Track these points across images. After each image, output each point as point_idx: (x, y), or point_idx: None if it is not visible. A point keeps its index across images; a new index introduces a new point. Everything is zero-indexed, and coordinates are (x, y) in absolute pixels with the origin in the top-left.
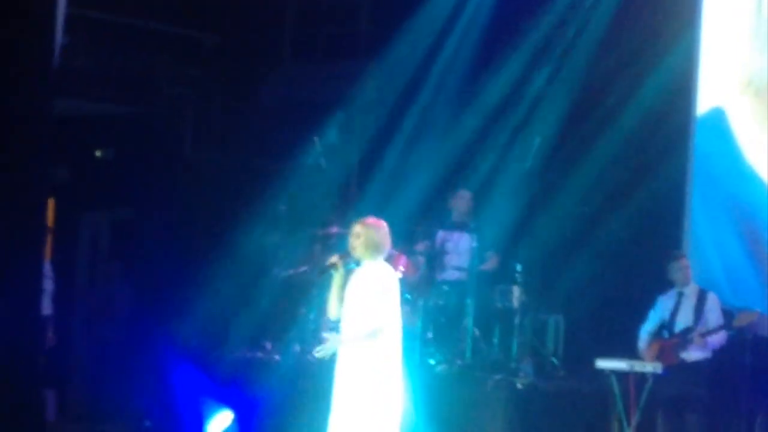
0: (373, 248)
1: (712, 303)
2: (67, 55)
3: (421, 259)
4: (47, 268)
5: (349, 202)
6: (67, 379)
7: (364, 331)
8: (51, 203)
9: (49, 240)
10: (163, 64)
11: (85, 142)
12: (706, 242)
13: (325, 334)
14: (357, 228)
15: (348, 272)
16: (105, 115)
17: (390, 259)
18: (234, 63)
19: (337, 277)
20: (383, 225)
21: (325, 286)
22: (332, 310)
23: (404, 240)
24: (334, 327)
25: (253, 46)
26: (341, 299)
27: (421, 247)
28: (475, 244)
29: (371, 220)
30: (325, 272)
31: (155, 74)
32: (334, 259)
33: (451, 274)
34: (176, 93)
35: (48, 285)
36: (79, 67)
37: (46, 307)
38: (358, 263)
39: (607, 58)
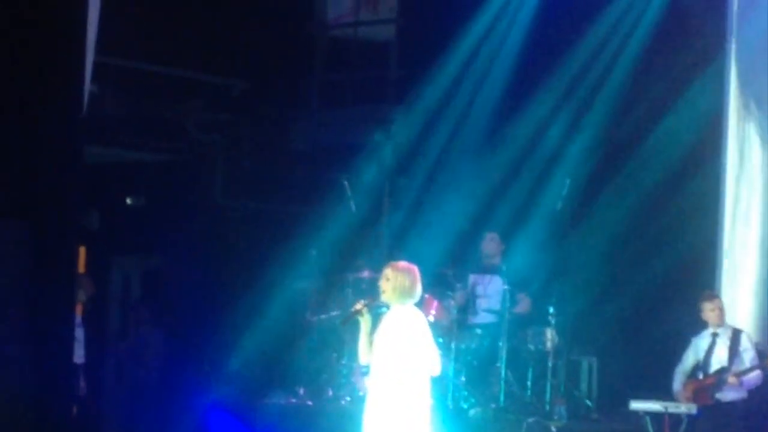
0: (403, 293)
1: (746, 342)
2: (97, 102)
3: (453, 303)
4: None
5: (379, 246)
6: (99, 428)
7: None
8: (82, 250)
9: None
10: (192, 110)
11: (116, 189)
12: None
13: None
14: (387, 271)
15: (377, 316)
16: (136, 161)
17: (421, 303)
18: (263, 108)
19: (363, 323)
20: (414, 269)
21: (355, 331)
22: (363, 356)
23: (435, 283)
24: (367, 372)
25: (282, 91)
26: (371, 344)
27: (459, 296)
28: (506, 287)
29: (402, 264)
30: (350, 319)
31: (185, 121)
32: (358, 306)
33: (483, 318)
34: (206, 139)
35: (79, 333)
36: (109, 115)
37: (78, 356)
38: (386, 307)
39: (637, 103)
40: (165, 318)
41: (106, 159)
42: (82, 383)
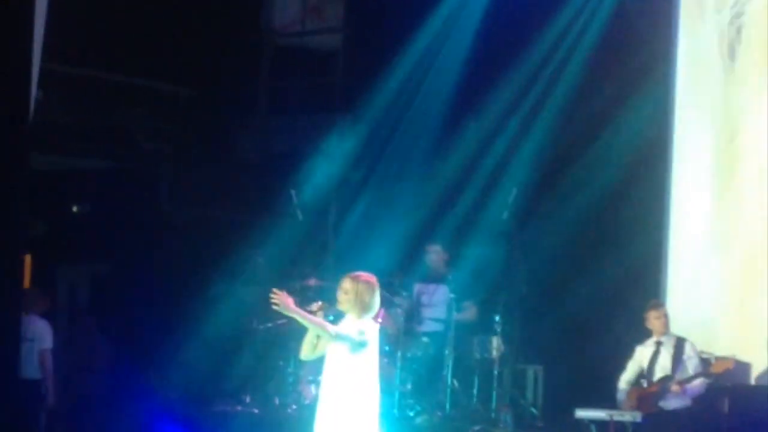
0: (362, 307)
1: (690, 351)
2: (42, 109)
3: (400, 312)
4: (42, 325)
5: (326, 254)
6: None
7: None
8: (28, 259)
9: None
10: (139, 118)
11: (63, 196)
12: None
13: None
14: (346, 283)
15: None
16: (82, 169)
17: None
18: (210, 116)
19: None
20: (374, 283)
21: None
22: (304, 351)
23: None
24: (314, 380)
25: (229, 99)
26: (314, 345)
27: (405, 305)
28: (451, 296)
29: (363, 276)
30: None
31: (131, 128)
32: (314, 307)
33: (428, 326)
34: (152, 147)
35: (42, 344)
36: (55, 122)
37: (47, 342)
38: (339, 315)
39: (583, 110)
40: (111, 326)
41: (52, 166)
42: (50, 395)
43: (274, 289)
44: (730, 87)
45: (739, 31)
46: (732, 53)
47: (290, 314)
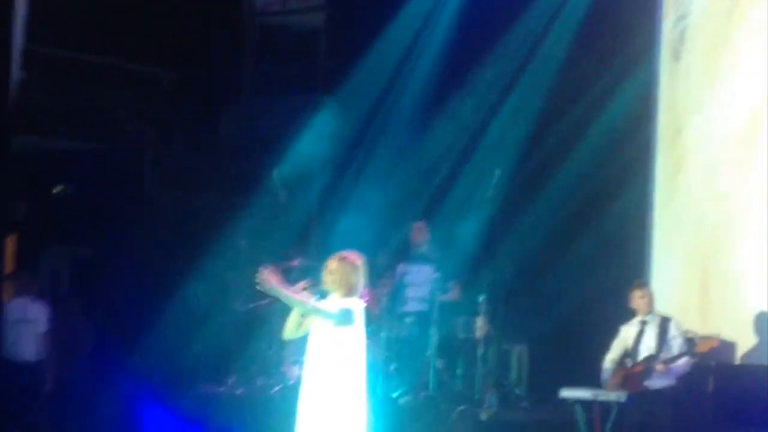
0: (347, 288)
1: (675, 330)
2: (25, 91)
3: (384, 291)
4: (38, 308)
5: (309, 235)
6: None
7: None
8: (10, 241)
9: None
10: (122, 100)
11: (46, 178)
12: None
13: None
14: (332, 264)
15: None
16: (65, 151)
17: None
18: (193, 98)
19: None
20: (360, 263)
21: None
22: (287, 330)
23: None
24: (297, 361)
25: (212, 82)
26: (298, 325)
27: (388, 284)
28: (435, 275)
29: (349, 256)
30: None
31: (114, 110)
32: (300, 285)
33: (412, 306)
34: (136, 129)
35: (39, 326)
36: (38, 104)
37: (42, 323)
38: (324, 296)
39: (567, 83)
40: (94, 308)
41: (34, 148)
42: (50, 379)
43: (261, 267)
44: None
45: (682, 34)
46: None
47: (273, 291)
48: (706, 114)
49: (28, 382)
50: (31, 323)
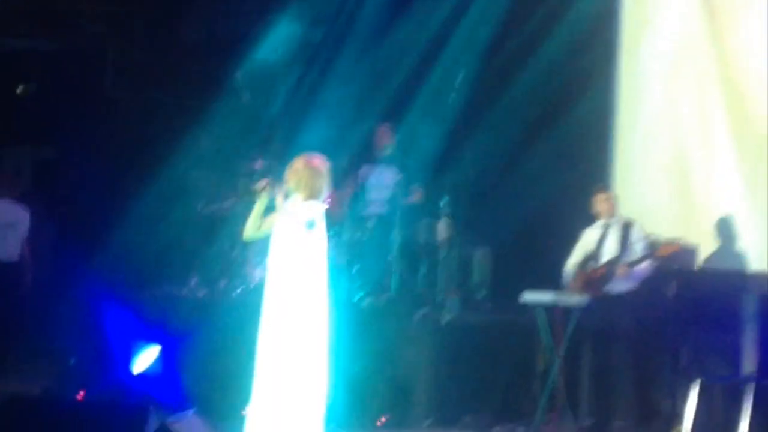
0: (310, 190)
1: (637, 234)
2: None
3: (346, 193)
4: (20, 210)
5: (273, 136)
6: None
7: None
8: None
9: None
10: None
11: (4, 78)
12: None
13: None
14: (299, 164)
15: (274, 203)
16: (24, 51)
17: None
18: None
19: (259, 204)
20: (325, 168)
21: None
22: (247, 231)
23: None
24: (260, 263)
25: None
26: (257, 226)
27: (350, 186)
28: (398, 177)
29: (316, 160)
30: (248, 196)
31: (75, 10)
32: (261, 184)
33: (375, 209)
34: (97, 29)
35: (22, 229)
36: None
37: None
38: (285, 196)
39: None
40: (56, 209)
41: None
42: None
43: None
44: None
45: None
46: None
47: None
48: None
49: (12, 281)
50: (15, 226)
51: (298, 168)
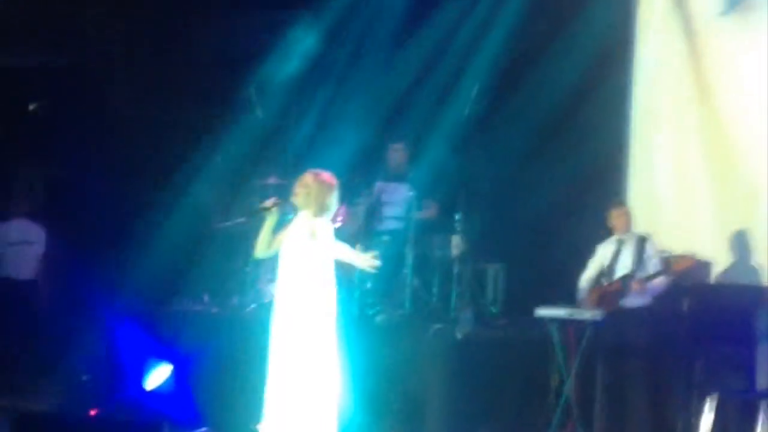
0: (318, 206)
1: (651, 249)
2: None
3: (360, 209)
4: (34, 227)
5: (286, 153)
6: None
7: None
8: None
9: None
10: (93, 16)
11: (14, 96)
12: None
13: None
14: (307, 179)
15: (284, 219)
16: (34, 68)
17: None
18: (166, 13)
19: (269, 221)
20: (334, 183)
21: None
22: (258, 248)
23: (341, 190)
24: (273, 279)
25: None
26: (269, 243)
27: (365, 203)
28: (411, 193)
29: (324, 175)
30: (257, 214)
31: (85, 26)
32: (269, 202)
33: (388, 224)
34: (106, 46)
35: (38, 248)
36: (7, 19)
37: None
38: (295, 212)
39: (547, 4)
40: (69, 227)
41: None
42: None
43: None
44: None
45: None
46: None
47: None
48: None
49: (28, 298)
50: (31, 244)
51: (307, 182)
